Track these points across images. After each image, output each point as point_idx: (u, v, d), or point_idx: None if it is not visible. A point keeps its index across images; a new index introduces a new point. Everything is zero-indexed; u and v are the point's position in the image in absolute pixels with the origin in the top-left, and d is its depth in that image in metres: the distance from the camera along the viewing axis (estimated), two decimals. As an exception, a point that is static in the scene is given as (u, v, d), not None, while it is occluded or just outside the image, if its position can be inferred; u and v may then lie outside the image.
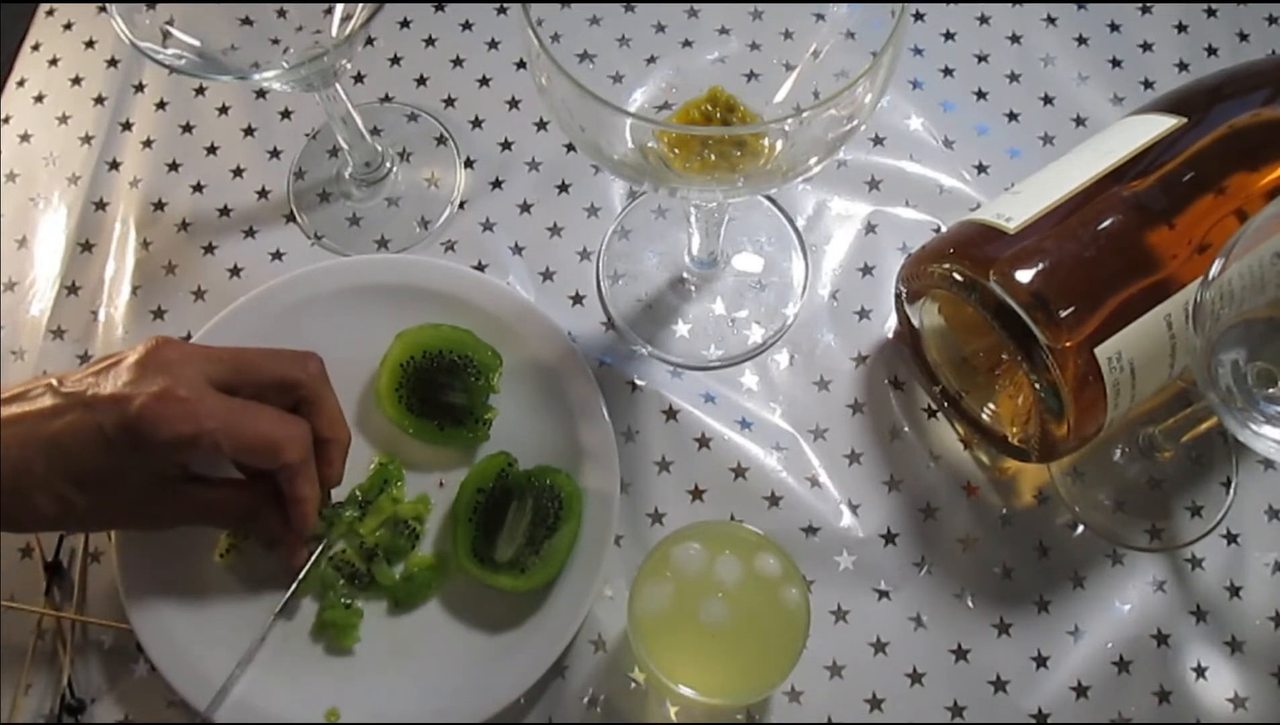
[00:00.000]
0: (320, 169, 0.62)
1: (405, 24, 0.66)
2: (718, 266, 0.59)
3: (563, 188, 0.61)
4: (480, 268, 0.59)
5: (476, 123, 0.63)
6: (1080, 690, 0.51)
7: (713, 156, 0.46)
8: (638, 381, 0.56)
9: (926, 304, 0.53)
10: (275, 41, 0.53)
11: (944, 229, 0.54)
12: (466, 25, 0.66)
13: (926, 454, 0.55)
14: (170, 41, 0.49)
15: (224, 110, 0.64)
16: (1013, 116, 0.63)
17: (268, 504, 0.49)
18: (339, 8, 0.52)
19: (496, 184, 0.62)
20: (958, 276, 0.47)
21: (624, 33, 0.53)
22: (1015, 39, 0.65)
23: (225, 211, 0.61)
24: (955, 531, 0.53)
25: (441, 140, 0.63)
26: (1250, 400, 0.41)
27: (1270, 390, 0.41)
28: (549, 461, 0.52)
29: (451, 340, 0.54)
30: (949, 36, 0.65)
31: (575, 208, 0.61)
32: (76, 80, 0.65)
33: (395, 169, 0.62)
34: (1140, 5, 0.66)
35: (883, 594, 0.52)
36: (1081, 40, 0.65)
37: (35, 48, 0.66)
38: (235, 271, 0.59)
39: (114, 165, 0.62)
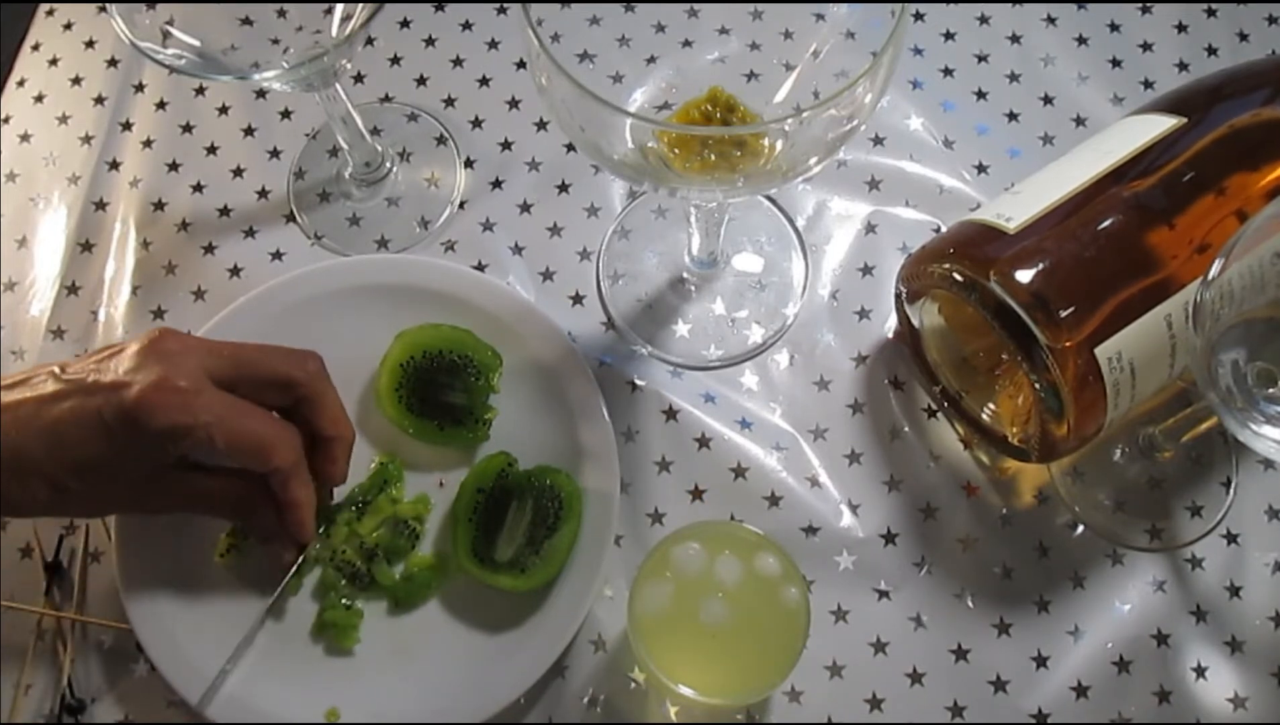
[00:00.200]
0: (320, 169, 0.62)
1: (405, 24, 0.66)
2: (718, 266, 0.59)
3: (563, 188, 0.61)
4: (480, 268, 0.59)
5: (476, 123, 0.63)
6: (1080, 690, 0.51)
7: (713, 156, 0.46)
8: (638, 381, 0.56)
9: (926, 304, 0.53)
10: (275, 41, 0.53)
11: (944, 229, 0.54)
12: (466, 25, 0.66)
13: (926, 454, 0.55)
14: (170, 41, 0.49)
15: (224, 110, 0.64)
16: (1013, 116, 0.63)
17: (264, 497, 0.49)
18: (339, 8, 0.52)
19: (496, 184, 0.62)
20: (958, 276, 0.47)
21: (624, 33, 0.53)
22: (1015, 39, 0.65)
23: (225, 211, 0.61)
24: (955, 531, 0.53)
25: (441, 140, 0.63)
26: (1250, 400, 0.41)
27: (1270, 390, 0.41)
28: (549, 461, 0.52)
29: (451, 340, 0.54)
30: (949, 36, 0.65)
31: (575, 208, 0.61)
32: (76, 80, 0.65)
33: (395, 169, 0.62)
34: (1140, 5, 0.66)
35: (883, 594, 0.52)
36: (1081, 40, 0.65)
37: (35, 48, 0.66)
38: (235, 271, 0.59)
39: (114, 165, 0.62)
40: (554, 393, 0.54)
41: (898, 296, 0.54)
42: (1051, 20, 0.65)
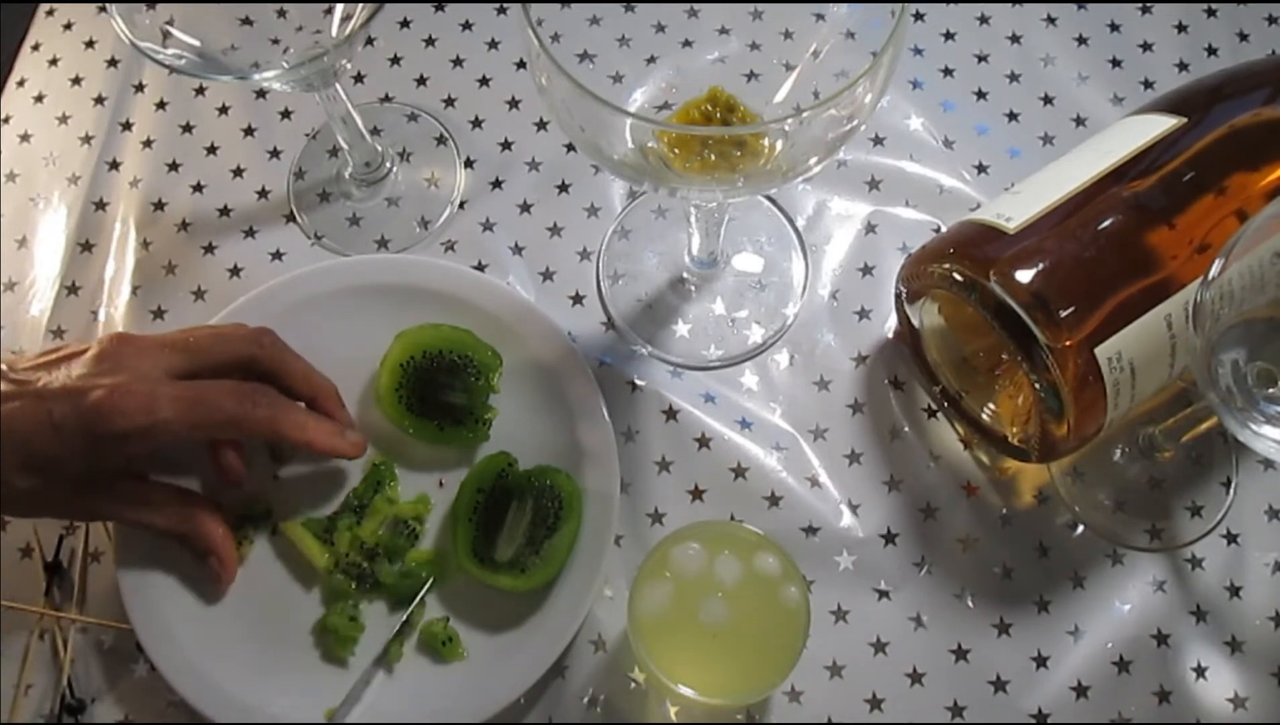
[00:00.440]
0: (320, 169, 0.62)
1: (405, 24, 0.66)
2: (718, 266, 0.59)
3: (563, 188, 0.61)
4: (480, 268, 0.59)
5: (476, 123, 0.63)
6: (1080, 690, 0.51)
7: (713, 156, 0.46)
8: (638, 381, 0.56)
9: (926, 304, 0.53)
10: (275, 41, 0.53)
11: (944, 229, 0.54)
12: (466, 25, 0.66)
13: (926, 454, 0.55)
14: (170, 41, 0.49)
15: (224, 110, 0.64)
16: (1013, 116, 0.63)
17: (203, 514, 0.50)
18: (339, 8, 0.52)
19: (496, 184, 0.62)
20: (958, 276, 0.47)
21: (624, 33, 0.53)
22: (1015, 39, 0.65)
23: (225, 211, 0.61)
24: (955, 531, 0.53)
25: (441, 140, 0.63)
26: (1250, 400, 0.41)
27: (1270, 390, 0.41)
28: (549, 461, 0.52)
29: (451, 340, 0.54)
30: (949, 36, 0.65)
31: (575, 208, 0.61)
32: (76, 80, 0.65)
33: (395, 169, 0.62)
34: (1140, 5, 0.66)
35: (883, 594, 0.52)
36: (1081, 40, 0.65)
37: (35, 48, 0.66)
38: (235, 271, 0.59)
39: (114, 165, 0.62)
40: (554, 393, 0.54)
41: (898, 296, 0.54)
42: (1051, 20, 0.65)
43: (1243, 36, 0.65)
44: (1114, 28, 0.65)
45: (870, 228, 0.60)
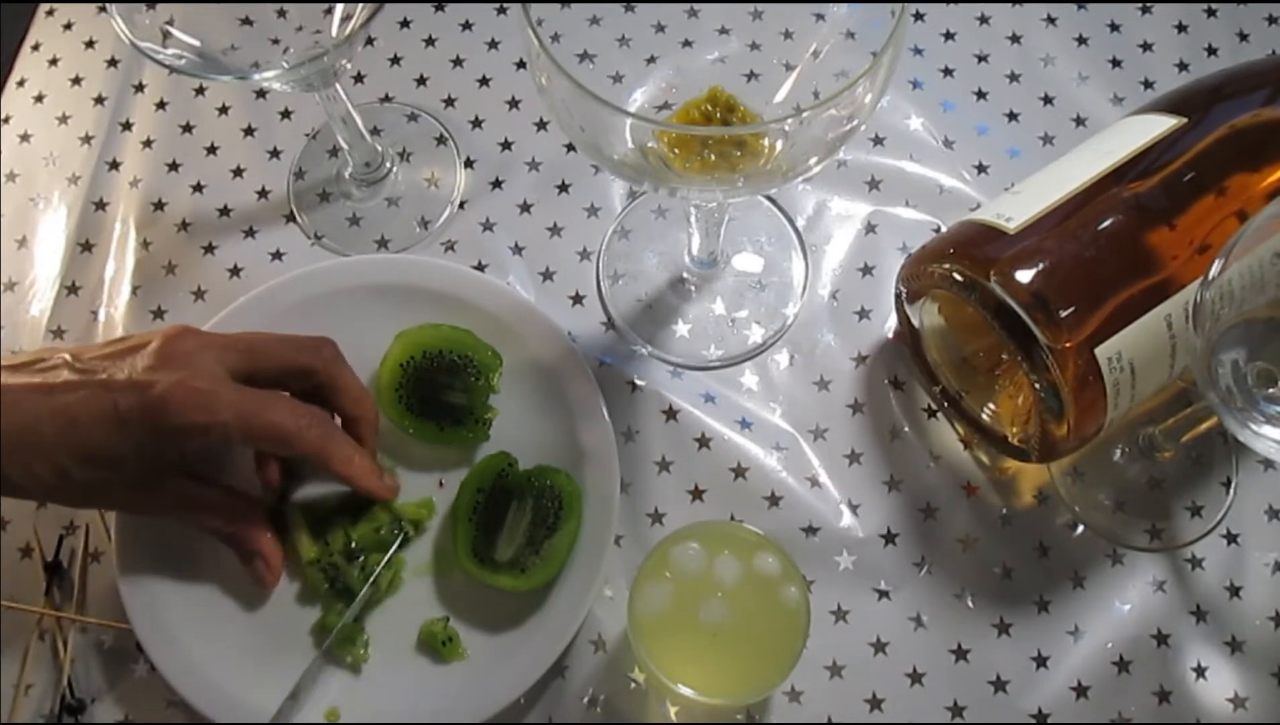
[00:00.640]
0: (320, 169, 0.62)
1: (405, 24, 0.66)
2: (718, 266, 0.59)
3: (563, 188, 0.61)
4: (480, 268, 0.59)
5: (476, 123, 0.63)
6: (1080, 690, 0.51)
7: (713, 156, 0.46)
8: (638, 381, 0.56)
9: (926, 304, 0.53)
10: (275, 41, 0.53)
11: (944, 229, 0.54)
12: (466, 25, 0.66)
13: (926, 454, 0.55)
14: (170, 41, 0.49)
15: (224, 110, 0.64)
16: (1013, 116, 0.63)
17: (253, 516, 0.50)
18: (339, 8, 0.52)
19: (496, 184, 0.62)
20: (958, 276, 0.47)
21: (624, 33, 0.53)
22: (1015, 39, 0.65)
23: (225, 211, 0.61)
24: (955, 531, 0.53)
25: (441, 140, 0.63)
26: (1250, 400, 0.41)
27: (1270, 390, 0.41)
28: (549, 461, 0.52)
29: (451, 340, 0.54)
30: (949, 36, 0.65)
31: (575, 208, 0.61)
32: (76, 80, 0.65)
33: (395, 169, 0.62)
34: (1140, 5, 0.66)
35: (883, 594, 0.52)
36: (1081, 40, 0.65)
37: (35, 48, 0.66)
38: (235, 271, 0.59)
39: (114, 165, 0.62)
40: (554, 393, 0.54)
41: (898, 296, 0.54)
42: (1051, 20, 0.65)
43: (1243, 36, 0.65)
44: (1114, 28, 0.65)
45: (870, 228, 0.60)
